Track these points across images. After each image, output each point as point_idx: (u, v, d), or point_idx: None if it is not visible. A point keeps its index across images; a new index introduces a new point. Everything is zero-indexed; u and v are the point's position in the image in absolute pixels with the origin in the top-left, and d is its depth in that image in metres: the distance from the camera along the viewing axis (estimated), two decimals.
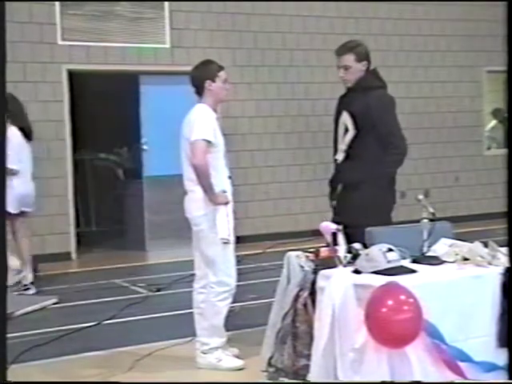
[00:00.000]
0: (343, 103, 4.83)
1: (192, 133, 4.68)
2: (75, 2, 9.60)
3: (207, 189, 4.68)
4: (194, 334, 4.94)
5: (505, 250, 3.66)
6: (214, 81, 4.80)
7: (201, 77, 4.82)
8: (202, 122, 4.71)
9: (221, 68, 4.87)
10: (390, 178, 4.73)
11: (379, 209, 4.59)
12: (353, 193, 4.64)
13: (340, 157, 4.80)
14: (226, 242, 4.72)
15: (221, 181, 4.77)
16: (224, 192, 4.74)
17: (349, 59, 4.70)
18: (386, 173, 4.66)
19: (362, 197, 4.56)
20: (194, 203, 4.78)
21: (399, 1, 11.66)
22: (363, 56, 4.74)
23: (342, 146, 4.74)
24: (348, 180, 4.71)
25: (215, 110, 4.87)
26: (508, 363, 3.11)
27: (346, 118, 4.69)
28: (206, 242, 4.77)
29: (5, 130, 3.16)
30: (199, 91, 4.84)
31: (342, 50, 4.75)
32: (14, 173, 6.87)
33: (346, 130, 4.70)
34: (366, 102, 4.59)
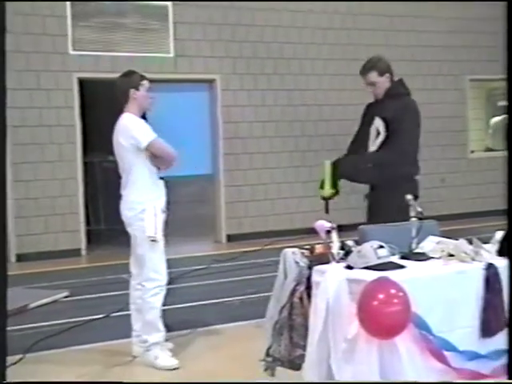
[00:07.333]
0: (375, 110, 4.91)
1: (140, 140, 4.65)
2: (85, 15, 9.60)
3: (168, 155, 4.76)
4: (197, 326, 4.92)
5: (488, 246, 3.67)
6: (137, 89, 4.77)
7: (125, 86, 4.80)
8: (140, 126, 4.71)
9: (143, 78, 4.83)
10: (415, 180, 4.85)
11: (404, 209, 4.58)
12: (383, 194, 4.69)
13: None
14: (154, 240, 4.69)
15: (155, 183, 4.83)
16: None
17: (372, 76, 4.82)
18: (409, 174, 4.79)
19: (393, 197, 4.55)
20: (127, 205, 4.80)
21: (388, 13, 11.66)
22: (385, 69, 4.85)
23: (373, 147, 4.83)
24: (378, 180, 4.79)
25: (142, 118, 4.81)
26: (508, 363, 3.11)
27: (378, 123, 4.80)
28: (136, 242, 4.75)
29: (5, 130, 3.06)
30: (123, 100, 4.82)
31: (365, 69, 4.87)
32: None
33: (378, 134, 4.80)
34: (399, 108, 4.74)
